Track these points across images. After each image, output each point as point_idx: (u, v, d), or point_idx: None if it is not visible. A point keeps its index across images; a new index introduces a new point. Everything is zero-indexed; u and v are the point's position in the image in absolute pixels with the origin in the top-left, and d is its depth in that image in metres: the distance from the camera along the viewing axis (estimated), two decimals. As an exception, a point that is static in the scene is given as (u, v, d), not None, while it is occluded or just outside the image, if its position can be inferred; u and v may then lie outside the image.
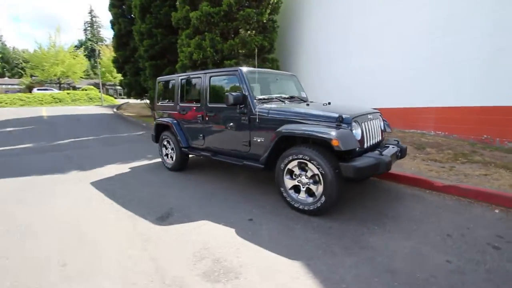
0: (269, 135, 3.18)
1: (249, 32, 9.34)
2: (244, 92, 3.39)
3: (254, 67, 4.03)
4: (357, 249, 2.18)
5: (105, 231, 2.59)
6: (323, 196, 2.64)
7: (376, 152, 2.79)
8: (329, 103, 3.50)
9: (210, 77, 3.92)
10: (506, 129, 4.65)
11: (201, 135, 4.12)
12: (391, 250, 2.17)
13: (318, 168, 2.63)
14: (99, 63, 29.61)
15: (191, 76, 4.33)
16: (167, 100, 4.85)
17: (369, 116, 3.12)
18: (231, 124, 3.61)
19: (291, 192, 2.95)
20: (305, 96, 4.30)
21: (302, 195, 2.86)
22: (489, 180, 3.49)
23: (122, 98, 40.58)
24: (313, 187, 2.76)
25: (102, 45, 38.55)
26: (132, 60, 14.18)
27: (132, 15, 14.00)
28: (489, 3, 4.78)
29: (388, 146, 3.30)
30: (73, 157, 6.09)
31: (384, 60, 6.65)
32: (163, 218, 2.88)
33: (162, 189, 3.83)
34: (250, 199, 3.35)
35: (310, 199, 2.78)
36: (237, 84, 3.58)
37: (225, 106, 3.70)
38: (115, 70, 41.58)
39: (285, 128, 2.90)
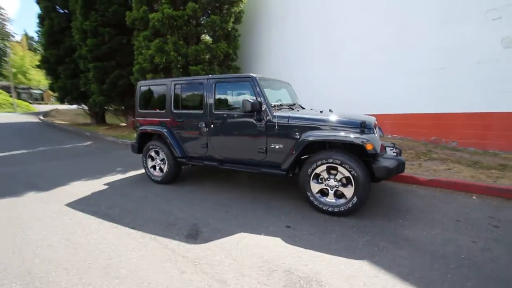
0: (289, 141, 3.24)
1: (211, 38, 9.16)
2: (259, 99, 3.37)
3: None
4: (402, 242, 2.41)
5: (140, 261, 2.21)
6: (354, 197, 2.82)
7: (391, 154, 3.13)
8: (331, 110, 3.73)
9: (216, 83, 3.75)
10: (450, 131, 5.75)
11: (203, 143, 3.88)
12: (428, 238, 2.46)
13: (350, 171, 2.81)
14: (9, 63, 24.67)
15: (188, 81, 4.06)
16: (154, 107, 4.42)
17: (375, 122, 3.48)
18: (244, 131, 3.52)
19: (318, 195, 3.05)
20: (300, 103, 4.50)
21: (331, 198, 2.99)
22: (453, 173, 4.25)
23: (39, 104, 34.50)
24: (343, 189, 2.92)
25: (11, 41, 32.18)
26: (67, 61, 12.29)
27: (66, 10, 12.21)
28: (435, 22, 5.88)
29: (387, 149, 3.72)
30: (16, 175, 4.94)
31: (347, 71, 7.43)
32: (193, 236, 2.61)
33: (163, 205, 3.45)
34: (268, 206, 3.31)
35: (341, 201, 2.93)
36: (247, 91, 3.55)
37: (234, 113, 3.61)
38: (29, 71, 35.18)
39: (314, 135, 3.00)
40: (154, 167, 4.43)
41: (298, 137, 3.17)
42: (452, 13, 5.50)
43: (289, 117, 3.27)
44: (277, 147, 3.34)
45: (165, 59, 8.38)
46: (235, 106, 3.67)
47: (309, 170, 3.02)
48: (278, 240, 2.49)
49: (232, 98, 3.75)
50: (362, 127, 2.95)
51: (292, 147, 3.18)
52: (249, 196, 3.69)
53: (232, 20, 9.41)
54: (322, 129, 3.08)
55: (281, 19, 9.76)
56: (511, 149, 4.98)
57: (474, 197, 3.50)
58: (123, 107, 12.57)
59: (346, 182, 2.89)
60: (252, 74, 3.51)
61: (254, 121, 3.42)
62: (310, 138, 2.98)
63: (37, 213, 3.21)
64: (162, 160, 4.29)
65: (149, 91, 4.52)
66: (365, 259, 2.15)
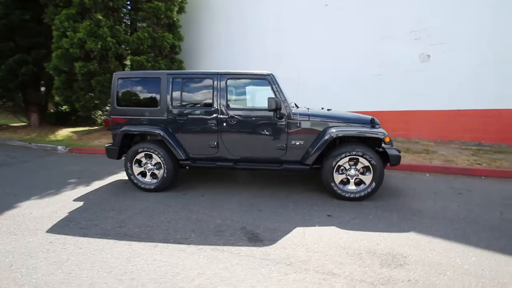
0: (310, 138, 3.47)
1: (150, 27, 8.28)
2: (279, 97, 3.44)
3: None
4: (419, 213, 3.02)
5: (231, 273, 2.00)
6: (373, 183, 3.32)
7: (387, 146, 3.79)
8: (329, 110, 4.15)
9: (228, 79, 3.56)
10: (384, 125, 7.19)
11: (213, 143, 3.63)
12: (431, 208, 3.17)
13: (370, 161, 3.28)
14: None
15: (192, 75, 3.69)
16: (140, 103, 3.79)
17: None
18: (264, 129, 3.51)
19: (341, 185, 3.41)
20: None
21: (352, 186, 3.41)
22: (426, 160, 5.36)
23: None
24: (362, 177, 3.37)
25: None
26: None
27: None
28: (374, 37, 7.17)
29: None
30: None
31: (299, 71, 8.14)
32: (255, 238, 2.52)
33: (182, 213, 3.10)
34: (293, 201, 3.46)
35: (361, 187, 3.38)
36: (261, 88, 3.56)
37: (252, 110, 3.58)
38: None
39: (338, 130, 3.33)
40: (143, 173, 3.82)
41: (319, 133, 3.44)
42: (386, 31, 6.87)
43: (309, 115, 3.49)
44: (297, 143, 3.51)
45: (101, 45, 7.05)
46: (250, 103, 3.61)
47: (333, 163, 3.34)
48: (333, 229, 2.71)
49: (247, 95, 3.66)
50: (372, 123, 3.48)
51: (315, 143, 3.42)
52: (266, 193, 3.72)
53: (176, 9, 8.74)
54: (341, 126, 3.45)
55: (224, 12, 9.64)
56: (426, 137, 6.72)
57: (427, 175, 4.64)
58: (22, 104, 9.73)
59: (364, 170, 3.36)
60: (270, 72, 3.53)
61: (275, 119, 3.47)
62: (339, 134, 3.30)
63: (27, 250, 2.34)
64: (156, 164, 3.75)
65: (132, 85, 3.83)
66: (410, 231, 2.63)
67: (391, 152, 3.37)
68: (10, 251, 2.32)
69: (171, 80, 3.66)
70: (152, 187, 3.76)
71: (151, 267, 2.10)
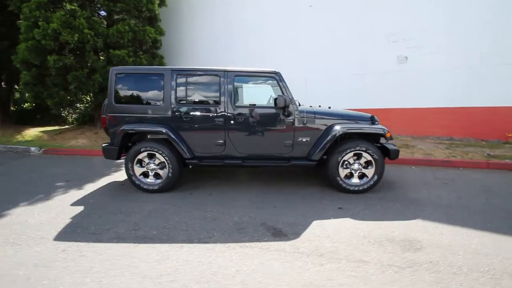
0: (316, 134, 3.60)
1: (131, 20, 7.88)
2: (287, 95, 3.52)
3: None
4: (419, 202, 3.31)
5: (267, 269, 2.03)
6: (375, 176, 3.55)
7: (384, 141, 4.05)
8: (329, 107, 4.32)
9: (235, 76, 3.54)
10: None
11: (221, 141, 3.60)
12: (428, 197, 3.47)
13: (372, 156, 3.49)
14: None
15: (197, 72, 3.61)
16: (140, 101, 3.62)
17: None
18: (272, 126, 3.57)
19: (345, 179, 3.59)
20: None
21: (356, 179, 3.60)
22: (408, 153, 5.78)
23: None
24: (365, 170, 3.58)
25: None
26: None
27: None
28: (357, 39, 7.53)
29: None
30: None
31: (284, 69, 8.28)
32: (279, 233, 2.58)
33: (196, 212, 3.06)
34: (300, 196, 3.57)
35: (364, 180, 3.58)
36: (269, 86, 3.61)
37: (260, 108, 3.61)
38: None
39: (343, 127, 3.49)
40: (145, 174, 3.67)
41: (324, 130, 3.58)
42: (367, 34, 7.27)
43: (315, 113, 3.62)
44: (303, 140, 3.63)
45: (78, 37, 6.56)
46: (257, 101, 3.63)
47: (339, 158, 3.51)
48: (348, 220, 2.87)
49: (254, 92, 3.68)
50: (372, 120, 3.71)
51: (321, 139, 3.56)
52: (272, 190, 3.79)
53: (157, 1, 8.40)
54: (344, 123, 3.62)
55: (207, 7, 9.47)
56: (404, 133, 7.26)
57: (413, 167, 5.05)
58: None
59: (367, 165, 3.57)
60: (277, 71, 3.58)
61: (283, 116, 3.55)
62: (346, 131, 3.46)
63: (40, 260, 2.15)
64: (160, 164, 3.62)
65: (131, 81, 3.64)
66: (416, 218, 2.87)
67: (391, 147, 3.62)
68: (20, 262, 2.12)
69: (174, 76, 3.55)
70: (155, 187, 3.63)
71: (186, 268, 2.06)
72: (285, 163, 3.65)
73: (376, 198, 3.46)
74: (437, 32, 6.56)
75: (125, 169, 3.63)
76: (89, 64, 7.02)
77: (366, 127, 3.59)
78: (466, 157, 5.37)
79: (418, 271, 1.99)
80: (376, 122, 3.74)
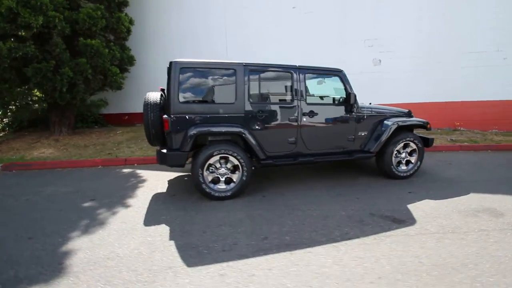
0: (371, 128, 3.95)
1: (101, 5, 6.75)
2: (351, 92, 3.72)
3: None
4: (462, 180, 4.02)
5: (439, 251, 2.21)
6: (418, 162, 4.12)
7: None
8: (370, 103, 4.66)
9: (306, 73, 3.53)
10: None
11: (293, 139, 3.55)
12: (467, 175, 4.22)
13: (417, 145, 4.04)
14: None
15: (270, 68, 3.45)
16: (206, 98, 3.24)
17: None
18: (339, 122, 3.73)
19: (397, 167, 4.04)
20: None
21: (403, 166, 4.10)
22: None
23: None
24: (410, 158, 4.11)
25: None
26: None
27: None
28: (336, 43, 8.22)
29: None
30: None
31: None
32: (397, 221, 2.79)
33: (300, 213, 3.01)
34: (362, 185, 3.85)
35: (409, 167, 4.10)
36: (332, 83, 3.75)
37: (328, 104, 3.74)
38: None
39: (397, 121, 3.92)
40: (214, 181, 3.31)
41: (378, 124, 3.95)
42: (346, 38, 8.07)
43: (371, 108, 3.95)
44: (362, 134, 3.92)
45: (42, 20, 5.22)
46: (323, 97, 3.71)
47: (394, 149, 3.94)
48: (429, 201, 3.26)
49: (319, 90, 3.73)
50: (409, 113, 4.27)
51: (377, 132, 3.91)
52: (333, 183, 3.96)
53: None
54: (392, 117, 4.06)
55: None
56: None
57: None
58: None
59: (412, 152, 4.11)
60: (341, 69, 3.74)
61: (348, 112, 3.75)
62: (401, 124, 3.89)
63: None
64: (232, 168, 3.33)
65: (198, 76, 3.21)
66: (470, 192, 3.50)
67: (427, 136, 4.26)
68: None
69: (248, 72, 3.31)
70: (228, 194, 3.32)
71: (369, 264, 2.07)
72: (348, 156, 3.86)
73: (421, 182, 4.02)
74: (406, 39, 7.82)
75: (194, 176, 3.19)
76: (54, 55, 5.61)
77: (414, 120, 4.13)
78: (438, 143, 6.67)
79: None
80: (412, 115, 4.33)
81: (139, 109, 11.11)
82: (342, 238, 2.46)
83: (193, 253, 2.25)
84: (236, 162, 3.31)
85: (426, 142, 4.20)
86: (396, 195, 3.50)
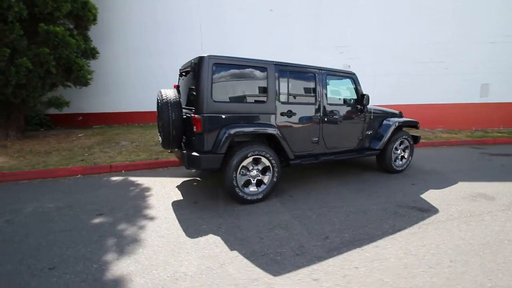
0: (375, 127, 4.30)
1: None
2: (365, 94, 3.97)
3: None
4: (447, 169, 4.63)
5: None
6: (410, 157, 4.62)
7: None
8: None
9: (327, 75, 3.62)
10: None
11: (316, 138, 3.61)
12: (456, 165, 4.88)
13: (409, 142, 4.54)
14: None
15: (297, 68, 3.45)
16: (237, 98, 3.06)
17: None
18: (352, 122, 3.94)
19: (394, 162, 4.46)
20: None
21: (399, 162, 4.54)
22: None
23: None
24: (403, 153, 4.58)
25: None
26: None
27: None
28: (309, 48, 8.61)
29: None
30: None
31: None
32: (423, 210, 3.09)
33: (337, 210, 3.09)
34: (371, 181, 4.16)
35: (403, 161, 4.58)
36: (345, 84, 3.95)
37: (344, 105, 3.92)
38: None
39: (396, 121, 4.33)
40: (246, 184, 3.15)
41: (380, 123, 4.31)
42: (319, 43, 8.55)
43: (375, 109, 4.28)
44: (369, 133, 4.22)
45: (-6, 0, 4.24)
46: (339, 98, 3.86)
47: (394, 146, 4.35)
48: (433, 191, 3.71)
49: (336, 91, 3.86)
50: (400, 114, 4.77)
51: (380, 131, 4.26)
52: (343, 181, 4.16)
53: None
54: (391, 118, 4.47)
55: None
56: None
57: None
58: None
59: (405, 149, 4.59)
60: (353, 71, 3.95)
61: (359, 112, 3.99)
62: (398, 124, 4.29)
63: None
64: (263, 169, 3.21)
65: (230, 73, 3.01)
66: (459, 181, 4.10)
67: (416, 134, 4.81)
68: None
69: (278, 71, 3.24)
70: (260, 196, 3.20)
71: (433, 250, 2.25)
72: (358, 154, 4.11)
73: (415, 174, 4.53)
74: (372, 47, 8.67)
75: (227, 180, 2.98)
76: (8, 42, 4.54)
77: (409, 120, 4.60)
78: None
79: (505, 211, 3.05)
80: (403, 116, 4.84)
81: (98, 108, 10.00)
82: (393, 230, 2.62)
83: (267, 261, 2.11)
84: (268, 163, 3.21)
85: (415, 139, 4.75)
86: (403, 187, 3.87)
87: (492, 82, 8.85)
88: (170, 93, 3.17)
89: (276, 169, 3.25)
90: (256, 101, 3.20)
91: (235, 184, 3.03)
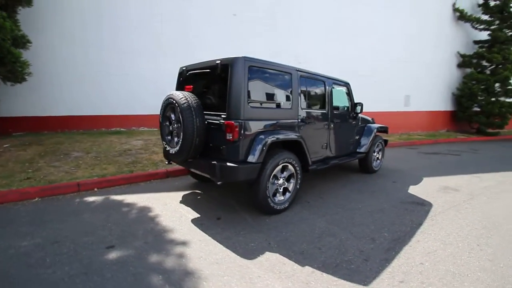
0: (360, 132, 4.73)
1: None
2: (358, 102, 4.32)
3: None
4: (423, 166, 5.42)
5: None
6: (383, 158, 5.26)
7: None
8: None
9: (332, 83, 3.80)
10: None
11: (325, 144, 3.74)
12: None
13: (382, 145, 5.17)
14: None
15: (312, 75, 3.53)
16: (273, 104, 2.94)
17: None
18: (349, 128, 4.25)
19: (373, 163, 5.00)
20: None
21: (376, 162, 5.11)
22: None
23: None
24: (378, 155, 5.18)
25: None
26: None
27: None
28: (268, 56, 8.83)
29: None
30: None
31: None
32: (420, 204, 3.56)
33: (378, 215, 3.27)
34: (360, 183, 4.56)
35: (377, 162, 5.17)
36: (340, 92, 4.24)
37: (344, 112, 4.17)
38: None
39: (376, 127, 4.85)
40: (275, 192, 3.01)
41: (364, 128, 4.79)
42: (279, 53, 8.91)
43: (361, 116, 4.70)
44: (357, 137, 4.64)
45: None
46: (341, 106, 4.10)
47: (375, 148, 4.87)
48: (415, 187, 4.32)
49: (337, 98, 4.06)
50: (373, 120, 5.39)
51: (364, 136, 4.73)
52: (339, 185, 4.42)
53: None
54: (369, 123, 5.00)
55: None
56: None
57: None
58: None
59: (379, 150, 5.20)
60: (348, 81, 4.25)
61: (352, 119, 4.33)
62: (377, 128, 4.82)
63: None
64: (288, 177, 3.13)
65: (262, 77, 2.82)
66: (433, 176, 4.90)
67: (385, 138, 5.50)
68: None
69: (299, 77, 3.23)
70: (286, 205, 3.12)
71: (465, 234, 2.63)
72: (350, 158, 4.44)
73: (388, 173, 5.18)
74: (322, 58, 9.50)
75: (261, 191, 2.78)
76: None
77: (382, 126, 5.21)
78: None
79: (474, 198, 3.85)
80: (375, 122, 5.47)
81: (20, 112, 8.02)
82: (416, 225, 2.93)
83: (345, 271, 2.08)
84: (293, 171, 3.16)
85: (385, 142, 5.44)
86: (388, 185, 4.38)
87: (412, 94, 10.93)
88: (188, 97, 2.77)
89: (299, 176, 3.23)
90: (284, 108, 3.12)
91: (268, 194, 2.87)
